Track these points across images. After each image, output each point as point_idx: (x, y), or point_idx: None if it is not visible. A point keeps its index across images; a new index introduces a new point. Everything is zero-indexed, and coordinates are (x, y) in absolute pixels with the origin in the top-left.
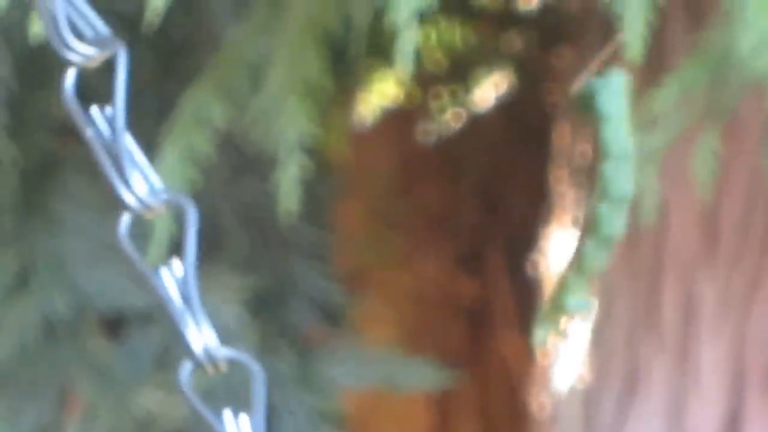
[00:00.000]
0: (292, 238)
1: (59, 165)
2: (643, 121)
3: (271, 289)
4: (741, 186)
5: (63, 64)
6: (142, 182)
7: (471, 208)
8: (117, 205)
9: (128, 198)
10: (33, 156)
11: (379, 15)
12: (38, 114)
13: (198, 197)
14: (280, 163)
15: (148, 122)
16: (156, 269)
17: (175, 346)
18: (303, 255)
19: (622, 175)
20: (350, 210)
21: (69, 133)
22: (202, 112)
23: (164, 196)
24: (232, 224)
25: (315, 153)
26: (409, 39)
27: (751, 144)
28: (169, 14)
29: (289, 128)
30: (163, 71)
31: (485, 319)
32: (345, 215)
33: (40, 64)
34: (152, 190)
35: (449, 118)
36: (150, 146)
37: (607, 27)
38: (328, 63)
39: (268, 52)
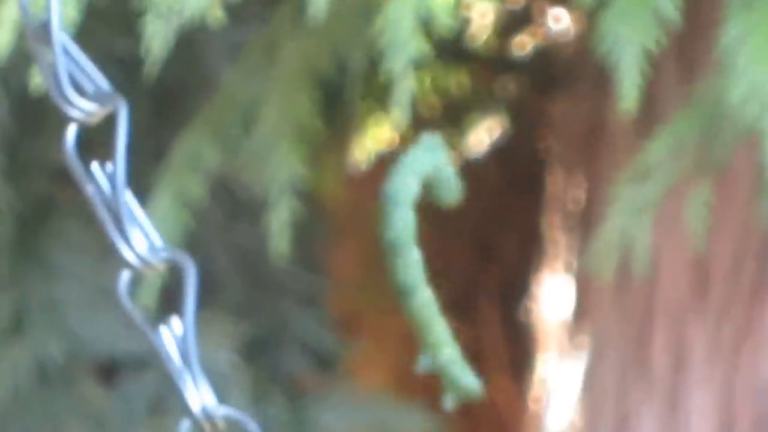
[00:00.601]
0: (286, 283)
1: (55, 210)
2: (636, 173)
3: (264, 334)
4: (731, 234)
5: (60, 110)
6: (142, 239)
7: (464, 253)
8: (112, 251)
9: (128, 255)
10: (29, 201)
11: (374, 60)
12: (34, 159)
13: (193, 243)
14: (270, 205)
15: (145, 166)
16: (155, 327)
17: (168, 393)
18: (297, 300)
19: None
20: (344, 255)
21: (65, 178)
22: (194, 155)
23: (164, 254)
24: (227, 270)
25: (309, 198)
26: (404, 88)
27: (742, 193)
28: (167, 60)
29: (280, 170)
30: (160, 116)
31: (477, 364)
32: (339, 260)
33: (37, 109)
34: (152, 248)
35: None
36: (145, 190)
37: (600, 74)
38: (321, 107)
39: (261, 96)
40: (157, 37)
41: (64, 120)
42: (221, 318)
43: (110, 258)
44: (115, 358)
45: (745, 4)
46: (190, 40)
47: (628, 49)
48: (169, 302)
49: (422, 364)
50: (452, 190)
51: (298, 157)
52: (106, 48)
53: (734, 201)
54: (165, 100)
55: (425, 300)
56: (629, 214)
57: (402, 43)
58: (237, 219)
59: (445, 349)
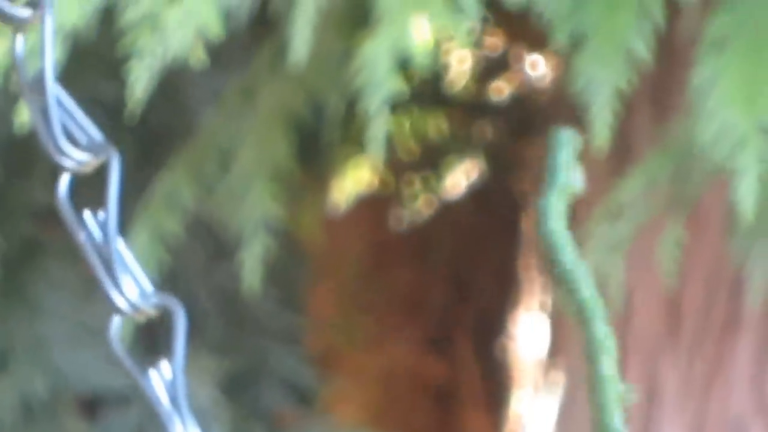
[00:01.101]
0: (265, 322)
1: (39, 250)
2: (609, 211)
3: (244, 371)
4: (703, 272)
5: (49, 157)
6: (133, 285)
7: (440, 291)
8: (94, 290)
9: (119, 301)
10: (14, 242)
11: (352, 103)
12: (19, 200)
13: (174, 282)
14: (245, 242)
15: (128, 207)
16: (145, 371)
17: (150, 428)
18: (276, 338)
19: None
20: (322, 293)
21: (49, 218)
22: (172, 194)
23: (154, 299)
24: (208, 308)
25: (289, 238)
26: (380, 126)
27: (713, 231)
28: (151, 104)
29: (254, 209)
30: (144, 159)
31: (453, 400)
32: (317, 298)
33: (22, 152)
34: (143, 294)
35: (421, 205)
36: (127, 229)
37: (575, 119)
38: (300, 149)
39: (239, 138)
40: (140, 80)
41: (48, 163)
42: (203, 355)
43: (93, 296)
44: (98, 394)
45: (716, 46)
46: (174, 86)
47: (601, 89)
48: (150, 338)
49: None
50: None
51: (273, 196)
52: (91, 91)
53: (706, 239)
54: (149, 144)
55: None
56: (602, 251)
57: (378, 83)
58: (218, 259)
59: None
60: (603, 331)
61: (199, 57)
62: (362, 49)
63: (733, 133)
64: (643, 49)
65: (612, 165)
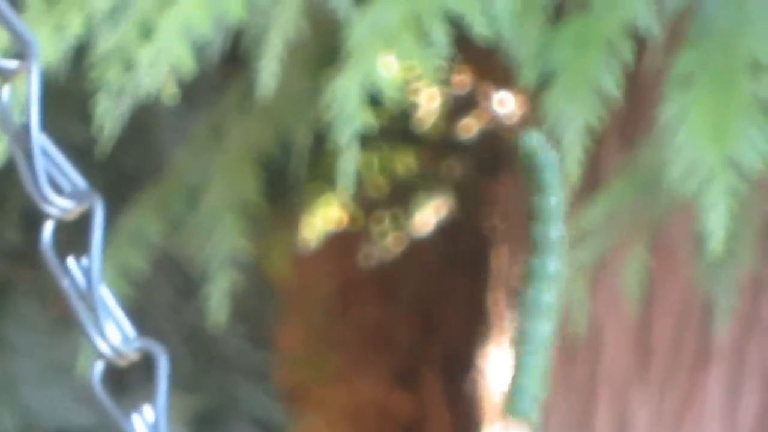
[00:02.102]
0: (234, 358)
1: (9, 288)
2: (573, 238)
3: (214, 407)
4: (673, 305)
5: (15, 190)
6: (116, 331)
7: (408, 327)
8: (64, 328)
9: (102, 347)
10: None
11: (321, 140)
12: None
13: (143, 319)
14: (211, 277)
15: None
16: (128, 415)
17: None
18: (245, 374)
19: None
20: (291, 329)
21: (19, 257)
22: (138, 230)
23: (137, 344)
24: (176, 345)
25: (257, 274)
26: (350, 160)
27: (683, 263)
28: (121, 143)
29: (221, 244)
30: (115, 198)
31: None
32: (286, 334)
33: None
34: (125, 339)
35: (390, 242)
36: None
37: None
38: (269, 186)
39: (206, 174)
40: (109, 113)
41: (19, 202)
42: (172, 392)
43: (62, 335)
44: (68, 431)
45: (683, 82)
46: (145, 126)
47: (571, 125)
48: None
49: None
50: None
51: (240, 232)
52: (62, 131)
53: (675, 271)
54: (120, 184)
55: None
56: (566, 276)
57: (348, 117)
58: (186, 296)
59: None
60: (557, 231)
61: (170, 94)
62: (332, 84)
63: (702, 168)
64: (612, 85)
65: (581, 198)
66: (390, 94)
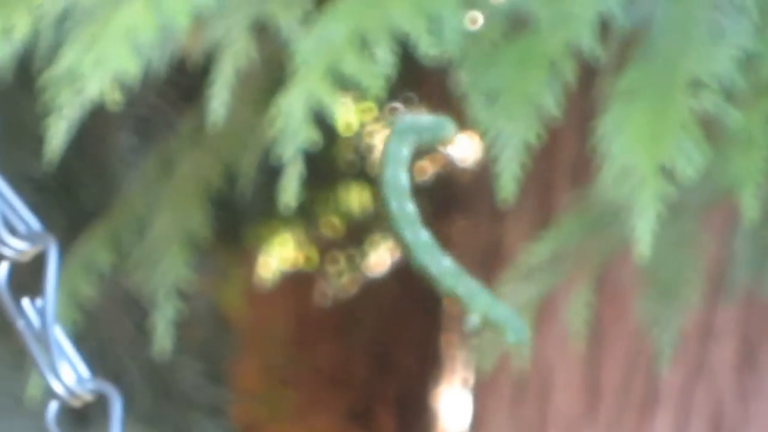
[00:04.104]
0: (192, 394)
1: None
2: (519, 272)
3: None
4: (621, 349)
5: None
6: (70, 371)
7: (363, 366)
8: (25, 361)
9: (56, 387)
10: None
11: (274, 179)
12: None
13: (102, 354)
14: (157, 306)
15: None
16: None
17: None
18: (202, 410)
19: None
20: (247, 366)
21: None
22: (89, 259)
23: (91, 385)
24: (135, 379)
25: (214, 312)
26: (293, 175)
27: (631, 307)
28: (79, 178)
29: (167, 273)
30: (74, 232)
31: None
32: (242, 371)
33: None
34: (80, 380)
35: (345, 281)
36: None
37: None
38: (221, 223)
39: (156, 205)
40: (57, 133)
41: None
42: (130, 426)
43: (24, 368)
44: None
45: (624, 97)
46: (102, 161)
47: (509, 143)
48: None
49: (469, 324)
50: (447, 130)
51: (185, 262)
52: (19, 168)
53: (623, 314)
54: (76, 219)
55: (443, 268)
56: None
57: (293, 132)
58: (146, 332)
59: (480, 298)
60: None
61: (115, 101)
62: (277, 101)
63: (635, 174)
64: (552, 104)
65: (530, 235)
66: (332, 110)
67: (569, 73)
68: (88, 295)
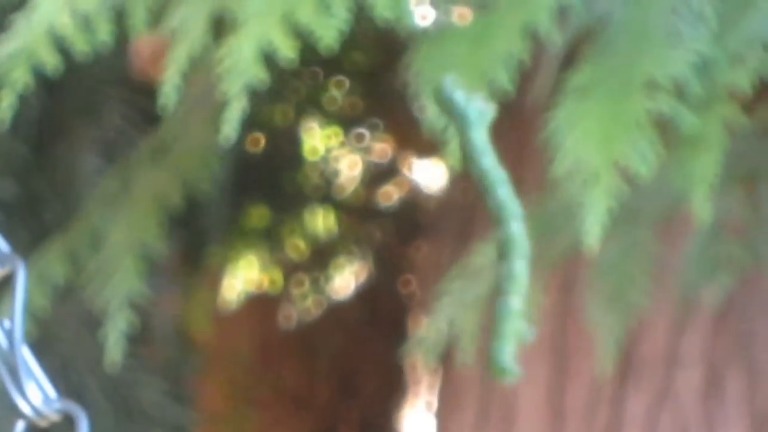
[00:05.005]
0: (155, 414)
1: None
2: (464, 271)
3: None
4: (586, 373)
5: None
6: (37, 392)
7: (327, 388)
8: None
9: (23, 407)
10: None
11: (239, 201)
12: None
13: (66, 372)
14: (109, 317)
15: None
16: None
17: None
18: (165, 430)
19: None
20: (211, 387)
21: None
22: (44, 272)
23: (57, 405)
24: (99, 399)
25: (179, 333)
26: (236, 109)
27: (595, 332)
28: (44, 199)
29: (120, 285)
30: (34, 249)
31: None
32: (206, 392)
33: None
34: (46, 400)
35: (310, 304)
36: None
37: (460, 223)
38: (185, 244)
39: (112, 220)
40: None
41: None
42: None
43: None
44: None
45: (578, 94)
46: (66, 183)
47: None
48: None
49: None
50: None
51: (139, 274)
52: None
53: (589, 341)
54: (43, 239)
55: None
56: (456, 306)
57: (241, 70)
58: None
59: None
60: (517, 231)
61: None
62: (227, 40)
63: (586, 168)
64: (506, 80)
65: (484, 238)
66: (284, 51)
67: (525, 53)
68: (42, 306)
